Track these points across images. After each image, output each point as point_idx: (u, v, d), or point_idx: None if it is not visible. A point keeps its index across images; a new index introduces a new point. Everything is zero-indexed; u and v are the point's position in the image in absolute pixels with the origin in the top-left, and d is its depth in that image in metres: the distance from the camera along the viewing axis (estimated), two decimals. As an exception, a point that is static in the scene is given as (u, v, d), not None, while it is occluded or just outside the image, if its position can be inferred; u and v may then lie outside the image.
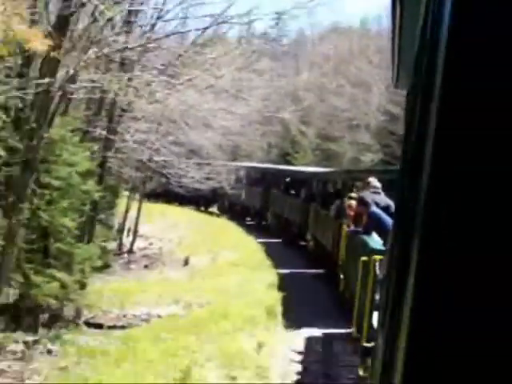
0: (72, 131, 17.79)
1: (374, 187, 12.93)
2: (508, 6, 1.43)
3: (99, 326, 20.97)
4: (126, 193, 33.25)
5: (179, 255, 30.69)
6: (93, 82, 16.65)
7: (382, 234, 10.87)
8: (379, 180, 13.33)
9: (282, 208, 34.17)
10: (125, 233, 32.73)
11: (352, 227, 14.26)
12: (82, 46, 14.29)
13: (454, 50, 1.44)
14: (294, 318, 17.27)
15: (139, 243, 32.87)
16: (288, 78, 65.82)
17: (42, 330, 20.24)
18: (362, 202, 12.69)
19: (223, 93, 38.57)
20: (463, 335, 1.43)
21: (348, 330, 13.35)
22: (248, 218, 40.56)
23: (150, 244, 33.01)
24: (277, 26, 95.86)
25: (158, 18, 20.43)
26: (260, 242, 30.96)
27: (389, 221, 10.75)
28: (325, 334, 15.74)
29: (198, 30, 23.38)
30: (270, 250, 28.64)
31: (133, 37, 18.30)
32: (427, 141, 1.52)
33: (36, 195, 16.19)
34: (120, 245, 31.37)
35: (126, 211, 31.60)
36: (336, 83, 54.36)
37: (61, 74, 13.43)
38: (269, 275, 24.21)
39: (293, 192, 33.36)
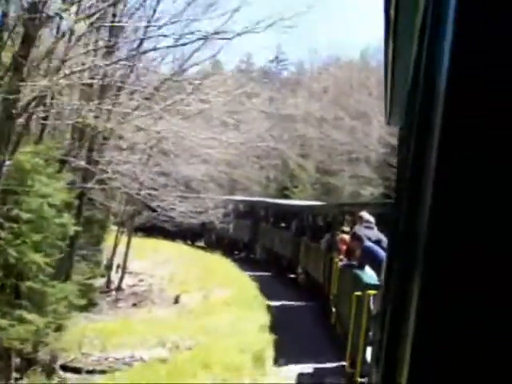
0: (46, 160, 16.47)
1: (367, 221, 12.80)
2: (506, 46, 1.42)
3: (77, 371, 19.55)
4: (115, 227, 31.88)
5: (170, 293, 29.24)
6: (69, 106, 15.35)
7: (376, 267, 10.67)
8: (371, 214, 13.25)
9: (271, 241, 33.94)
10: (114, 269, 31.30)
11: (344, 261, 14.05)
12: (53, 66, 13.03)
13: (452, 89, 1.43)
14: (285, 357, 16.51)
15: (128, 280, 31.42)
16: (286, 111, 64.90)
17: (15, 374, 18.88)
18: (355, 236, 12.51)
19: (217, 124, 37.55)
20: (465, 376, 1.41)
21: (340, 363, 13.21)
22: (236, 252, 40.22)
23: (140, 281, 31.55)
24: (276, 60, 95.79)
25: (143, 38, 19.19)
26: (250, 276, 30.35)
27: (383, 254, 10.53)
28: (316, 369, 15.26)
29: (184, 44, 21.97)
30: (261, 284, 28.05)
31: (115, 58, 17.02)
32: (424, 177, 1.55)
33: (3, 229, 14.82)
34: (108, 282, 29.92)
35: (115, 246, 30.18)
36: (335, 115, 53.24)
37: (26, 94, 12.14)
38: (261, 315, 22.78)
39: (283, 225, 33.21)
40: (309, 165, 56.46)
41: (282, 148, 61.88)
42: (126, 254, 30.67)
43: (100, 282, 30.06)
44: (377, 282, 9.77)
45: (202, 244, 45.11)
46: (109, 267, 30.28)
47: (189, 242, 44.55)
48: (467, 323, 1.39)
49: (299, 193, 54.10)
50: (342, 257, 14.64)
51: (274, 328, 20.57)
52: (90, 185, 18.88)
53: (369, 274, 11.19)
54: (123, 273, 30.23)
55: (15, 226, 14.96)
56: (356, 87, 55.35)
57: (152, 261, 35.45)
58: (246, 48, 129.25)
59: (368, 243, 11.93)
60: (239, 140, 27.57)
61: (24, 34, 11.92)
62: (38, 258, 15.47)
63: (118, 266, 31.57)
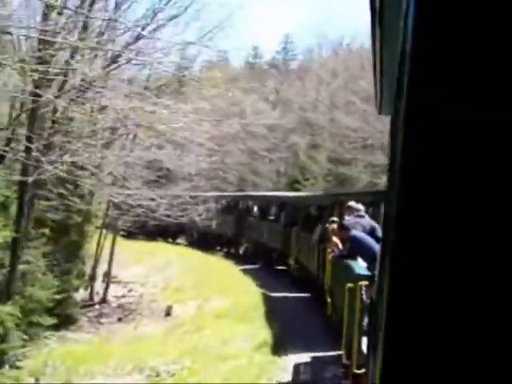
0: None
1: (357, 210, 12.85)
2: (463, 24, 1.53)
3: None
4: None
5: (161, 303, 25.54)
6: None
7: (366, 257, 10.95)
8: (363, 202, 13.54)
9: (259, 234, 33.28)
10: (99, 278, 27.63)
11: (336, 251, 13.82)
12: None
13: (412, 77, 1.56)
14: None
15: (116, 290, 27.75)
16: (295, 99, 61.09)
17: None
18: (342, 226, 12.53)
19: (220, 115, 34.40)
20: (457, 359, 1.50)
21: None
22: (218, 247, 39.45)
23: (129, 291, 27.84)
24: (284, 50, 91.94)
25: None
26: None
27: (372, 244, 10.98)
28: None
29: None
30: (252, 277, 27.54)
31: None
32: (408, 169, 1.61)
33: None
34: (91, 294, 26.25)
35: (97, 253, 26.50)
36: (345, 100, 49.37)
37: None
38: (260, 327, 19.08)
39: (271, 218, 32.99)
40: (320, 155, 52.66)
41: (292, 139, 58.21)
42: (110, 261, 27.00)
43: (83, 294, 26.43)
44: (368, 273, 10.02)
45: (183, 241, 43.18)
46: (92, 277, 26.60)
47: (169, 240, 42.66)
48: (456, 312, 1.48)
49: (310, 186, 50.25)
50: (333, 248, 14.33)
51: (275, 343, 17.00)
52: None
53: (360, 265, 11.15)
54: (108, 283, 26.51)
55: None
56: (368, 69, 51.40)
57: (145, 266, 31.82)
58: (253, 41, 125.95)
59: (355, 232, 11.83)
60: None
61: None
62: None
63: (104, 275, 27.91)
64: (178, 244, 41.89)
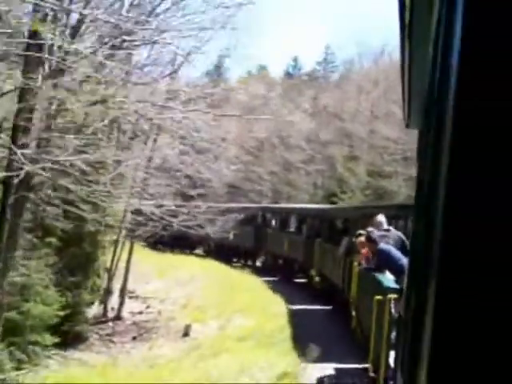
0: None
1: (380, 224, 12.80)
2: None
3: None
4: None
5: (180, 322, 23.45)
6: None
7: (393, 270, 10.79)
8: (390, 216, 13.67)
9: (279, 246, 32.85)
10: (116, 293, 25.66)
11: (364, 264, 13.62)
12: None
13: (463, 92, 1.44)
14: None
15: (133, 306, 25.74)
16: (334, 109, 58.85)
17: None
18: (369, 239, 12.36)
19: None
20: (486, 376, 1.42)
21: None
22: (235, 259, 38.85)
23: (147, 307, 25.79)
24: (324, 61, 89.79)
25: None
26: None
27: (400, 257, 10.82)
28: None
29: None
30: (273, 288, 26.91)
31: None
32: (439, 182, 1.54)
33: None
34: (105, 309, 24.26)
35: (112, 265, 24.51)
36: (386, 110, 47.04)
37: None
38: (283, 354, 16.91)
39: (291, 230, 33.04)
40: (358, 168, 50.27)
41: (329, 150, 55.92)
42: (126, 274, 25.01)
43: (96, 310, 24.48)
44: (396, 286, 9.80)
45: (200, 252, 42.72)
46: (107, 291, 24.62)
47: (187, 251, 41.84)
48: (487, 327, 1.39)
49: (348, 199, 47.88)
50: (361, 260, 14.16)
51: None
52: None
53: (388, 278, 11.05)
54: (123, 298, 24.50)
55: None
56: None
57: (165, 281, 29.76)
58: (294, 51, 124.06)
59: (383, 245, 11.75)
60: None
61: None
62: None
63: (121, 290, 25.91)
64: (195, 254, 41.29)
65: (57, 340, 19.02)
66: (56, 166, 13.88)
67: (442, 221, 1.44)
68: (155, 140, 23.41)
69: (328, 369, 14.88)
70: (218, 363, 17.49)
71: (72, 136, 14.51)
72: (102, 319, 23.88)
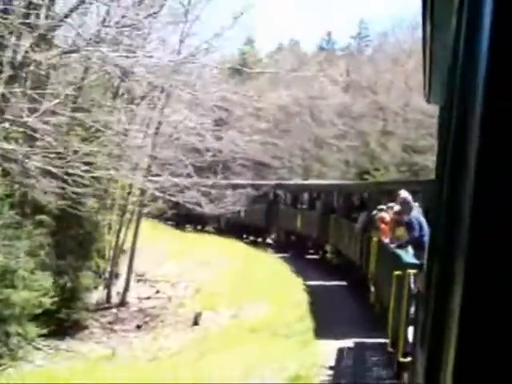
0: None
1: (404, 200, 12.49)
2: None
3: None
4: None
5: (190, 309, 21.16)
6: None
7: (420, 243, 10.75)
8: (411, 192, 13.07)
9: (291, 222, 32.60)
10: (123, 276, 23.43)
11: (386, 240, 13.83)
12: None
13: (495, 63, 1.41)
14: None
15: (141, 291, 23.48)
16: (367, 82, 56.02)
17: None
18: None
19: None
20: None
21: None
22: (245, 235, 38.08)
23: (156, 292, 23.48)
24: (358, 36, 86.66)
25: None
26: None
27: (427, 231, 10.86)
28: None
29: None
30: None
31: None
32: (465, 159, 1.51)
33: None
34: (108, 294, 22.02)
35: (116, 246, 22.22)
36: (420, 81, 44.10)
37: None
38: (300, 349, 14.57)
39: (304, 206, 33.02)
40: (392, 143, 47.56)
41: (362, 125, 53.21)
42: (132, 255, 22.73)
43: (100, 295, 22.29)
44: (416, 261, 9.86)
45: (211, 229, 41.45)
46: (111, 275, 22.37)
47: (198, 227, 41.29)
48: None
49: (381, 176, 45.20)
50: (382, 236, 14.38)
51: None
52: None
53: (409, 253, 11.20)
54: (128, 282, 22.23)
55: None
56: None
57: (179, 263, 27.48)
58: (327, 26, 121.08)
59: (416, 213, 11.90)
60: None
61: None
62: None
63: (127, 273, 23.67)
64: (207, 231, 40.21)
65: (45, 331, 16.82)
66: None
67: (470, 200, 1.41)
68: (162, 108, 20.99)
69: (348, 343, 14.69)
70: (223, 359, 15.17)
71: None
72: (104, 305, 21.67)
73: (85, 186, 18.19)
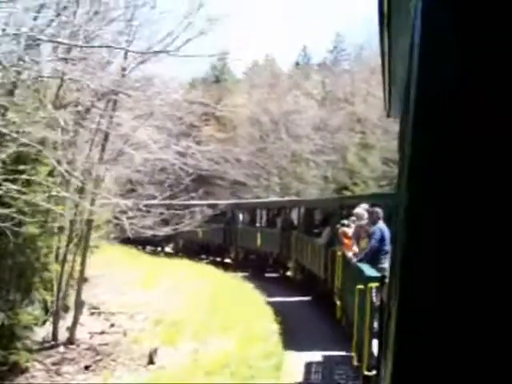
0: None
1: (359, 216, 13.50)
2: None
3: None
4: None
5: (147, 345, 18.70)
6: None
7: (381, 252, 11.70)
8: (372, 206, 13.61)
9: (250, 241, 32.55)
10: (73, 309, 20.91)
11: (350, 254, 13.94)
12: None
13: (423, 76, 1.55)
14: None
15: (93, 325, 20.96)
16: (341, 94, 53.98)
17: None
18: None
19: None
20: (452, 363, 1.47)
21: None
22: (203, 256, 37.93)
23: (112, 326, 20.95)
24: (335, 49, 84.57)
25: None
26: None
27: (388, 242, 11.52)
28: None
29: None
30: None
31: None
32: (404, 166, 1.66)
33: None
34: (55, 330, 19.50)
35: (62, 275, 19.72)
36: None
37: None
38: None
39: (261, 224, 33.62)
40: (372, 156, 45.38)
41: (340, 138, 51.03)
42: (80, 285, 20.27)
43: (45, 332, 19.79)
44: (377, 274, 10.04)
45: (169, 250, 41.33)
46: (56, 308, 19.84)
47: (159, 249, 41.01)
48: (451, 312, 1.46)
49: (361, 192, 42.96)
50: (346, 250, 14.34)
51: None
52: None
53: (370, 267, 11.23)
54: (76, 317, 19.71)
55: None
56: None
57: (143, 291, 25.11)
58: (303, 41, 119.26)
59: (381, 224, 12.17)
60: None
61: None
62: None
63: (81, 304, 21.18)
64: (165, 253, 39.69)
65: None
66: None
67: (406, 219, 1.52)
68: (111, 117, 18.62)
69: (316, 356, 14.81)
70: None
71: None
72: (51, 343, 19.15)
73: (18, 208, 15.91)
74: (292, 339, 16.54)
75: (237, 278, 26.88)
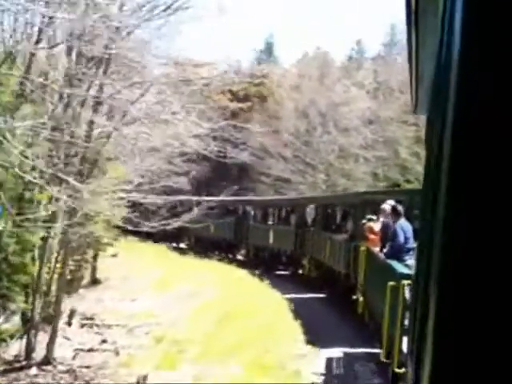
0: None
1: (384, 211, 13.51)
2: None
3: None
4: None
5: (138, 369, 14.97)
6: None
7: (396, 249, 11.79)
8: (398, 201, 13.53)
9: (262, 238, 32.25)
10: (64, 320, 17.29)
11: (376, 249, 13.87)
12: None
13: (464, 74, 1.44)
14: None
15: (80, 340, 17.30)
16: (396, 83, 49.87)
17: None
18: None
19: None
20: (492, 362, 1.39)
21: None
22: (216, 252, 37.71)
23: (102, 342, 17.25)
24: (391, 42, 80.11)
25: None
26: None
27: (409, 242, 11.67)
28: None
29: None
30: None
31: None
32: (443, 164, 1.55)
33: None
34: (28, 347, 15.87)
35: (38, 280, 16.09)
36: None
37: None
38: None
39: (274, 221, 33.25)
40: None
41: (391, 131, 46.97)
42: (60, 292, 16.62)
43: (20, 347, 16.21)
44: (410, 272, 9.75)
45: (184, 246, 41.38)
46: (31, 319, 16.21)
47: (174, 245, 40.71)
48: (491, 313, 1.39)
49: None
50: (371, 245, 14.50)
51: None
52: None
53: (401, 264, 11.12)
54: (55, 330, 16.04)
55: None
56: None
57: (155, 296, 21.51)
58: (357, 34, 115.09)
59: (403, 222, 12.21)
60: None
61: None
62: None
63: (71, 313, 17.54)
64: (181, 249, 39.68)
65: None
66: None
67: (443, 216, 1.45)
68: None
69: (337, 353, 14.55)
70: None
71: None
72: (22, 363, 15.54)
73: None
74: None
75: (262, 284, 23.27)
